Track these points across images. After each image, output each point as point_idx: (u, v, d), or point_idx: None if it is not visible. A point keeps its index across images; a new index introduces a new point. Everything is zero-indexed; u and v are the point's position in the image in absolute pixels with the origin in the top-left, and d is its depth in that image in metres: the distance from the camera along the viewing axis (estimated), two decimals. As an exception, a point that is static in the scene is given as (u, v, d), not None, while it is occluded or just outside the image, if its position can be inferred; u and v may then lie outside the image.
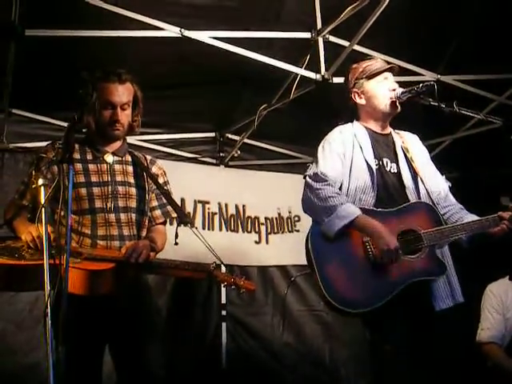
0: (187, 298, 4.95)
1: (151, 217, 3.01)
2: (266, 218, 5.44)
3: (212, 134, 5.34)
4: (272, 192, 5.43)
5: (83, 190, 2.80)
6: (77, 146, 2.85)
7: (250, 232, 5.40)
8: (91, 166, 2.86)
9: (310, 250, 2.83)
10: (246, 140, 5.23)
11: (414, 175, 3.01)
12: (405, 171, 2.99)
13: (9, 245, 2.65)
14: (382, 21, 3.74)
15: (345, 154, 2.96)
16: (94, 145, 2.91)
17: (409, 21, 4.00)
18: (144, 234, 2.96)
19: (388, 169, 2.98)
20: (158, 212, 3.03)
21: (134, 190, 2.92)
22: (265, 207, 5.44)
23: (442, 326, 2.94)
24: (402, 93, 3.00)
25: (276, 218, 5.46)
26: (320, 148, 3.02)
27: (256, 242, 5.40)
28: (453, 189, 3.20)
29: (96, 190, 2.83)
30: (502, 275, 4.10)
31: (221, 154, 5.34)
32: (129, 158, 2.98)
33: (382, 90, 3.03)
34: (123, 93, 2.86)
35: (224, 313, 5.10)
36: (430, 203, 2.95)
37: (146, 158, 3.07)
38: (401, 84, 3.10)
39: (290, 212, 5.45)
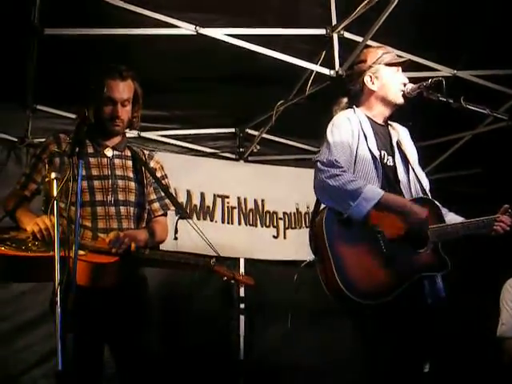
0: (205, 290, 5.02)
1: (150, 210, 3.07)
2: (284, 213, 5.49)
3: (232, 130, 5.41)
4: (291, 187, 5.46)
5: (84, 183, 2.85)
6: None
7: (269, 226, 5.46)
8: (92, 160, 2.92)
9: (325, 236, 2.71)
10: (265, 135, 5.29)
11: (407, 169, 2.97)
12: (399, 165, 2.95)
13: (14, 236, 2.71)
14: (398, 16, 3.75)
15: (353, 143, 2.86)
16: (94, 139, 2.96)
17: (424, 16, 3.97)
18: (143, 227, 3.02)
19: (385, 161, 2.92)
20: (156, 205, 3.08)
21: (133, 184, 2.98)
22: (283, 202, 5.48)
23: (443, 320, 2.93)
24: (412, 88, 2.97)
25: (294, 213, 5.51)
26: (329, 133, 2.88)
27: (274, 237, 5.46)
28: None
29: (97, 183, 2.89)
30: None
31: (240, 149, 5.41)
32: (128, 152, 3.04)
33: (396, 80, 2.97)
34: (124, 89, 2.91)
35: (242, 306, 5.16)
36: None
37: (144, 152, 3.13)
38: (417, 80, 3.05)
39: (308, 207, 5.47)
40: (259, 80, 4.62)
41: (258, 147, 5.30)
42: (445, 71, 4.28)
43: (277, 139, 5.43)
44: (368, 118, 2.97)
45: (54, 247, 2.30)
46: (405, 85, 2.98)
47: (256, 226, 5.41)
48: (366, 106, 3.00)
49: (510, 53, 4.19)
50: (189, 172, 5.17)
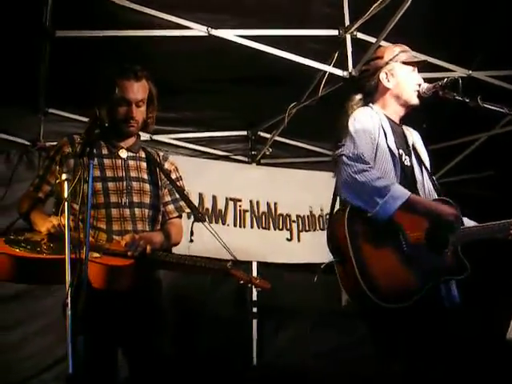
0: (219, 294, 5.00)
1: (165, 212, 3.03)
2: (297, 216, 5.46)
3: (244, 132, 5.39)
4: (304, 190, 5.42)
5: (99, 185, 2.82)
6: None
7: (282, 229, 5.42)
8: (106, 161, 2.89)
9: (347, 236, 2.62)
10: (278, 138, 5.26)
11: (423, 172, 2.93)
12: (416, 165, 2.91)
13: (28, 238, 2.69)
14: (411, 16, 3.70)
15: (375, 139, 2.78)
16: (108, 140, 2.92)
17: (438, 15, 3.94)
18: (157, 229, 2.99)
19: (403, 160, 2.86)
20: (171, 207, 3.04)
21: (147, 186, 2.94)
22: (297, 205, 5.45)
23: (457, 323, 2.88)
24: (428, 88, 2.92)
25: (308, 216, 5.47)
26: (351, 126, 2.78)
27: (288, 240, 5.43)
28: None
29: (111, 184, 2.85)
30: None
31: (252, 152, 5.39)
32: (142, 154, 3.00)
33: (411, 80, 2.91)
34: (138, 90, 2.87)
35: (255, 310, 5.13)
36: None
37: (158, 154, 3.09)
38: (431, 80, 2.99)
39: (321, 210, 5.44)
40: (271, 82, 4.60)
41: (271, 150, 5.28)
42: (459, 71, 4.23)
43: (289, 142, 5.41)
44: (385, 115, 2.91)
45: (65, 249, 2.31)
46: (420, 85, 2.95)
47: (269, 229, 5.38)
48: (380, 103, 2.93)
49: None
50: (201, 175, 5.15)
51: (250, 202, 5.33)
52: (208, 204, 5.17)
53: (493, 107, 2.64)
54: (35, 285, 4.15)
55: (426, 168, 2.95)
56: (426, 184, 2.91)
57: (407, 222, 2.70)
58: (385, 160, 2.78)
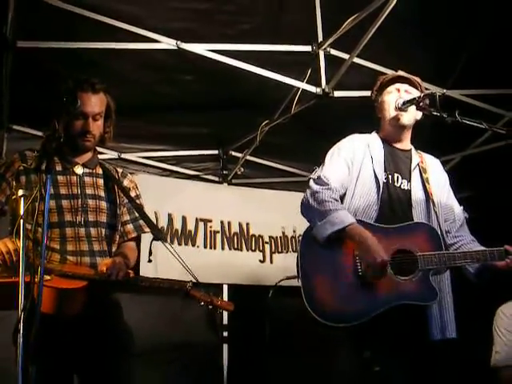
0: (187, 318, 4.82)
1: (123, 231, 2.91)
2: (270, 237, 5.35)
3: (215, 152, 5.26)
4: (276, 210, 5.32)
5: (52, 203, 2.67)
6: None
7: (255, 251, 5.30)
8: (60, 178, 2.75)
9: (299, 256, 2.77)
10: (249, 157, 5.16)
11: (427, 197, 2.89)
12: (416, 190, 2.89)
13: None
14: (385, 33, 3.67)
15: (353, 162, 2.89)
16: (63, 155, 2.79)
17: (413, 34, 3.90)
18: (114, 249, 2.86)
19: (398, 184, 2.88)
20: (130, 226, 2.92)
21: (104, 204, 2.81)
22: (269, 226, 5.34)
23: (442, 353, 2.79)
24: (403, 103, 2.90)
25: (280, 237, 5.36)
26: (329, 153, 2.97)
27: (260, 261, 5.30)
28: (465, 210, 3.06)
29: (65, 202, 2.72)
30: (512, 296, 3.93)
31: (224, 172, 5.27)
32: (99, 170, 2.88)
33: (389, 100, 2.96)
34: (96, 103, 2.76)
35: (225, 334, 4.96)
36: (437, 228, 2.82)
37: (117, 170, 2.97)
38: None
39: (294, 231, 5.34)
40: (243, 99, 4.51)
41: (242, 170, 5.16)
42: (433, 90, 4.15)
43: (261, 161, 5.30)
44: (384, 141, 3.00)
45: (18, 271, 2.15)
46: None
47: (241, 250, 5.25)
48: (382, 132, 3.04)
49: (500, 72, 4.11)
50: (170, 195, 5.03)
51: (221, 222, 5.20)
52: (177, 225, 5.03)
53: (471, 122, 2.57)
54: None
55: (430, 195, 2.89)
56: (431, 211, 2.86)
57: None
58: (367, 183, 2.86)
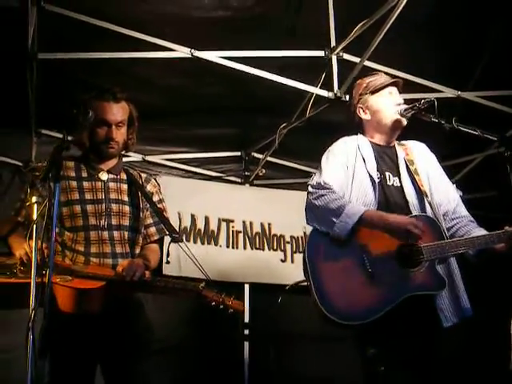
0: (208, 316, 4.94)
1: (146, 234, 3.03)
2: (291, 237, 5.42)
3: (238, 153, 5.37)
4: (297, 211, 5.22)
5: (77, 207, 2.84)
6: (72, 163, 2.94)
7: (276, 250, 5.39)
8: (85, 184, 2.91)
9: (307, 260, 2.79)
10: (271, 158, 5.24)
11: (418, 189, 2.94)
12: (407, 185, 2.94)
13: (3, 261, 2.71)
14: (399, 37, 3.71)
15: (348, 165, 2.94)
16: (89, 162, 2.96)
17: (426, 36, 3.93)
18: (137, 251, 2.98)
19: (390, 183, 2.93)
20: (152, 229, 3.05)
21: (127, 208, 2.95)
22: (290, 226, 5.40)
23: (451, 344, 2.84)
24: (405, 109, 2.96)
25: (301, 237, 5.42)
26: (324, 158, 3.02)
27: (282, 261, 5.38)
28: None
29: (90, 207, 2.87)
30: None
31: (246, 173, 5.37)
32: (124, 175, 3.02)
33: (387, 104, 3.01)
34: (118, 111, 2.90)
35: (247, 332, 5.07)
36: (434, 217, 2.88)
37: (141, 176, 3.11)
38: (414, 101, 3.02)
39: (315, 231, 5.39)
40: (264, 101, 4.61)
41: (264, 171, 5.25)
42: (448, 92, 4.19)
43: (282, 162, 5.38)
44: (371, 142, 3.03)
45: (31, 272, 2.31)
46: (399, 104, 2.97)
47: (263, 249, 5.35)
48: (367, 133, 3.09)
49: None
50: (193, 196, 5.15)
51: (243, 222, 5.31)
52: (200, 225, 5.16)
53: (466, 129, 2.62)
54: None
55: (420, 185, 2.94)
56: (425, 203, 2.91)
57: (374, 241, 2.78)
58: (363, 184, 2.91)
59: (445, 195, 3.02)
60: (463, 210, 3.04)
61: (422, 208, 2.91)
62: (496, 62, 4.08)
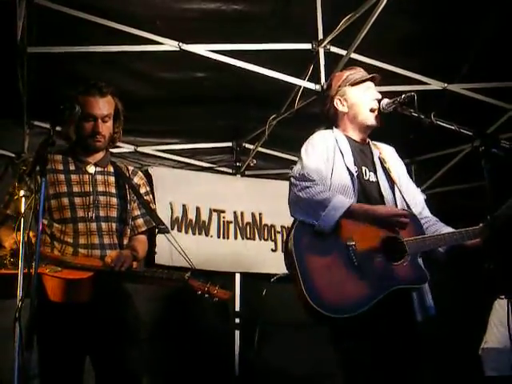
0: (199, 305, 5.01)
1: (134, 225, 3.09)
2: (282, 227, 5.48)
3: (229, 144, 5.42)
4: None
5: (65, 200, 2.90)
6: (60, 156, 2.99)
7: (267, 240, 5.45)
8: (73, 177, 2.96)
9: (293, 253, 2.76)
10: (262, 149, 5.29)
11: (392, 185, 2.98)
12: (382, 181, 2.97)
13: None
14: (385, 29, 3.75)
15: (328, 158, 2.93)
16: (76, 156, 3.01)
17: (413, 29, 3.96)
18: (125, 242, 3.04)
19: (367, 177, 2.95)
20: (140, 221, 3.11)
21: (115, 200, 3.00)
22: (281, 215, 5.37)
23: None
24: (387, 104, 2.96)
25: (292, 227, 5.47)
26: (303, 150, 2.97)
27: (272, 250, 5.45)
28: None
29: (78, 199, 2.93)
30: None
31: (237, 164, 5.42)
32: (111, 168, 3.07)
33: (365, 98, 3.01)
34: (104, 105, 2.95)
35: (237, 320, 5.14)
36: None
37: (128, 168, 3.16)
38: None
39: (305, 221, 5.44)
40: (256, 93, 4.64)
41: (255, 161, 5.30)
42: (435, 84, 4.23)
43: (273, 153, 5.43)
44: (346, 136, 3.03)
45: (18, 264, 2.37)
46: (379, 101, 3.00)
47: (254, 239, 5.41)
48: (341, 127, 3.07)
49: (501, 65, 4.14)
50: (185, 186, 5.21)
51: (234, 213, 5.36)
52: (192, 215, 5.21)
53: (444, 124, 2.66)
54: None
55: (396, 184, 2.99)
56: (398, 199, 2.96)
57: (359, 234, 2.78)
58: (342, 178, 2.90)
59: (412, 197, 3.05)
60: (428, 212, 3.09)
61: (396, 204, 2.95)
62: (483, 55, 4.10)
